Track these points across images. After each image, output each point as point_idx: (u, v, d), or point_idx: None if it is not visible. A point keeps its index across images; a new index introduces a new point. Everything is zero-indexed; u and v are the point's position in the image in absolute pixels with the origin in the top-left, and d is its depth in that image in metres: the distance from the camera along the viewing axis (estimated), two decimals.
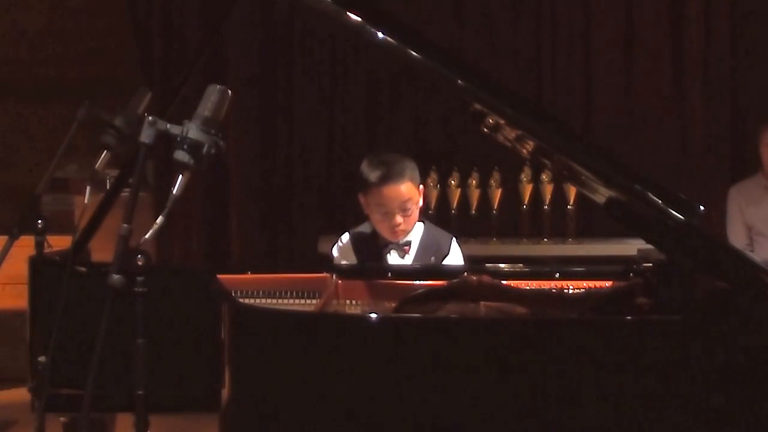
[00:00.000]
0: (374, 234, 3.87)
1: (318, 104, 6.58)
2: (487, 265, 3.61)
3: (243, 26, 6.49)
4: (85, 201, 3.16)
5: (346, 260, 3.87)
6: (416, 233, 3.86)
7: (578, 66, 6.55)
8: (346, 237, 3.94)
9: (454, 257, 3.90)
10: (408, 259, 3.84)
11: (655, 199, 2.82)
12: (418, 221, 3.87)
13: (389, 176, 3.74)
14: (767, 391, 2.63)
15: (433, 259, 3.85)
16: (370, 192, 3.77)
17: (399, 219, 3.76)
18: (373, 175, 3.76)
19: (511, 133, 3.19)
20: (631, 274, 3.40)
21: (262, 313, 3.00)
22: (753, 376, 2.63)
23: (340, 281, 3.49)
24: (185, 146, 2.43)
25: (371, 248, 3.86)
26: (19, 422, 5.41)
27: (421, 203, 3.84)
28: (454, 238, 3.95)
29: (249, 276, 3.51)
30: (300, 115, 6.58)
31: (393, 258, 3.83)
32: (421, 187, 3.85)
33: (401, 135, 6.53)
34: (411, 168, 3.80)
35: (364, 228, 3.93)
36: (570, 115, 6.43)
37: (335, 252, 3.94)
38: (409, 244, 3.84)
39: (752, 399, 2.63)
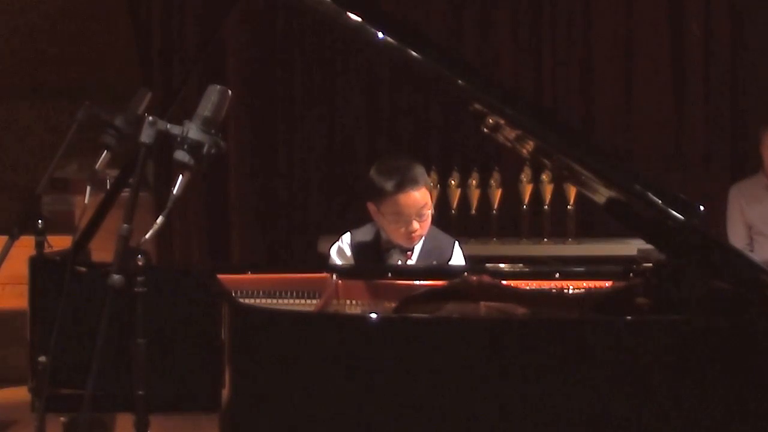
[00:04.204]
0: (376, 240, 3.83)
1: (318, 104, 6.58)
2: (487, 265, 3.60)
3: (243, 26, 6.49)
4: (85, 201, 3.16)
5: (343, 262, 3.85)
6: None
7: (578, 66, 6.55)
8: (347, 239, 3.88)
9: (457, 262, 3.86)
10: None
11: (655, 199, 2.82)
12: None
13: (404, 184, 3.67)
14: (767, 391, 2.63)
15: (434, 263, 3.82)
16: (385, 201, 3.70)
17: (416, 225, 3.71)
18: (387, 185, 3.68)
19: (511, 133, 3.19)
20: (631, 274, 3.40)
21: (262, 313, 3.00)
22: (753, 376, 2.63)
23: (340, 281, 3.49)
24: (185, 146, 2.43)
25: (372, 254, 3.82)
26: (19, 422, 5.41)
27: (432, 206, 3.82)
28: (456, 242, 3.92)
29: (249, 276, 3.50)
30: (300, 115, 6.58)
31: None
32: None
33: (401, 135, 6.53)
34: (422, 172, 3.75)
35: (366, 233, 3.87)
36: (570, 115, 6.43)
37: (333, 252, 3.89)
38: (411, 249, 3.79)
39: (752, 399, 2.63)
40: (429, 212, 3.75)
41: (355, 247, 3.86)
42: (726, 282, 2.86)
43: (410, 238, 3.74)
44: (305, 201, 6.59)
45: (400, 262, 3.77)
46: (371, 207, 3.77)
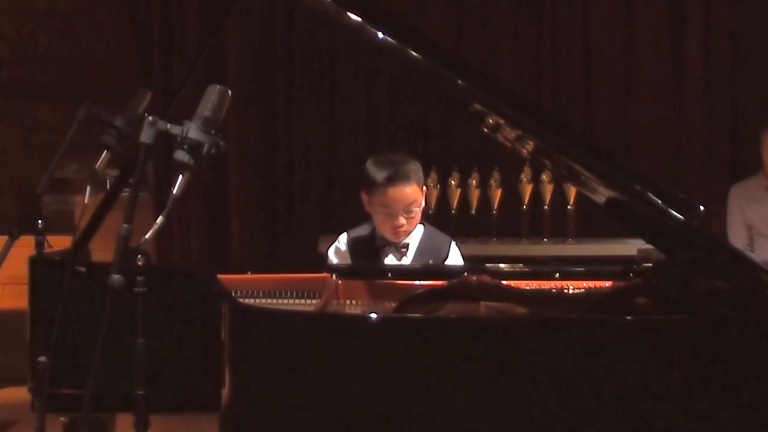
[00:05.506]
0: (372, 236, 3.86)
1: (318, 104, 6.58)
2: (487, 265, 3.61)
3: (243, 26, 6.49)
4: (85, 201, 3.16)
5: (341, 262, 3.86)
6: (415, 235, 3.85)
7: (578, 66, 6.55)
8: (343, 238, 3.92)
9: (453, 261, 3.88)
10: (406, 262, 3.82)
11: (655, 199, 2.82)
12: (419, 223, 3.86)
13: (395, 177, 3.72)
14: (767, 391, 2.63)
15: (431, 262, 3.83)
16: (375, 192, 3.75)
17: (402, 220, 3.75)
18: (379, 175, 3.74)
19: (511, 133, 3.19)
20: (631, 274, 3.40)
21: (262, 313, 3.00)
22: (753, 376, 2.63)
23: (340, 281, 3.49)
24: (185, 146, 2.44)
25: (368, 250, 3.84)
26: (19, 422, 5.40)
27: (423, 204, 3.83)
28: (453, 242, 3.93)
29: (249, 276, 3.51)
30: (300, 116, 6.58)
31: (390, 260, 3.81)
32: (425, 188, 3.84)
33: (401, 134, 6.53)
34: (416, 169, 3.78)
35: (362, 230, 3.91)
36: (570, 116, 6.43)
37: (331, 252, 3.92)
38: (407, 246, 3.82)
39: (752, 398, 2.63)
40: (417, 210, 3.78)
41: (352, 243, 3.88)
42: (726, 282, 2.86)
43: (396, 232, 3.77)
44: (305, 201, 6.59)
45: (393, 258, 3.79)
46: (364, 197, 3.82)
